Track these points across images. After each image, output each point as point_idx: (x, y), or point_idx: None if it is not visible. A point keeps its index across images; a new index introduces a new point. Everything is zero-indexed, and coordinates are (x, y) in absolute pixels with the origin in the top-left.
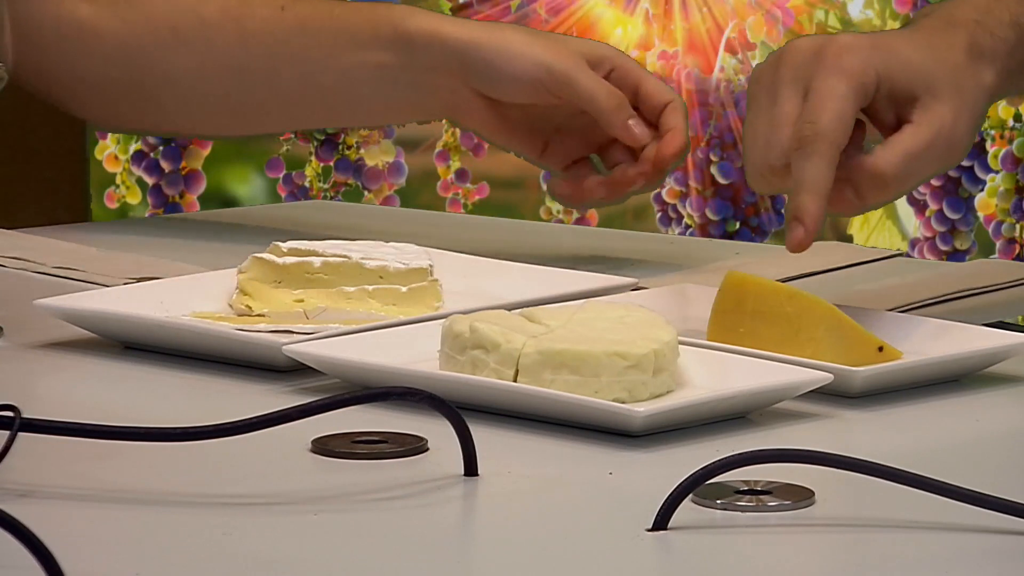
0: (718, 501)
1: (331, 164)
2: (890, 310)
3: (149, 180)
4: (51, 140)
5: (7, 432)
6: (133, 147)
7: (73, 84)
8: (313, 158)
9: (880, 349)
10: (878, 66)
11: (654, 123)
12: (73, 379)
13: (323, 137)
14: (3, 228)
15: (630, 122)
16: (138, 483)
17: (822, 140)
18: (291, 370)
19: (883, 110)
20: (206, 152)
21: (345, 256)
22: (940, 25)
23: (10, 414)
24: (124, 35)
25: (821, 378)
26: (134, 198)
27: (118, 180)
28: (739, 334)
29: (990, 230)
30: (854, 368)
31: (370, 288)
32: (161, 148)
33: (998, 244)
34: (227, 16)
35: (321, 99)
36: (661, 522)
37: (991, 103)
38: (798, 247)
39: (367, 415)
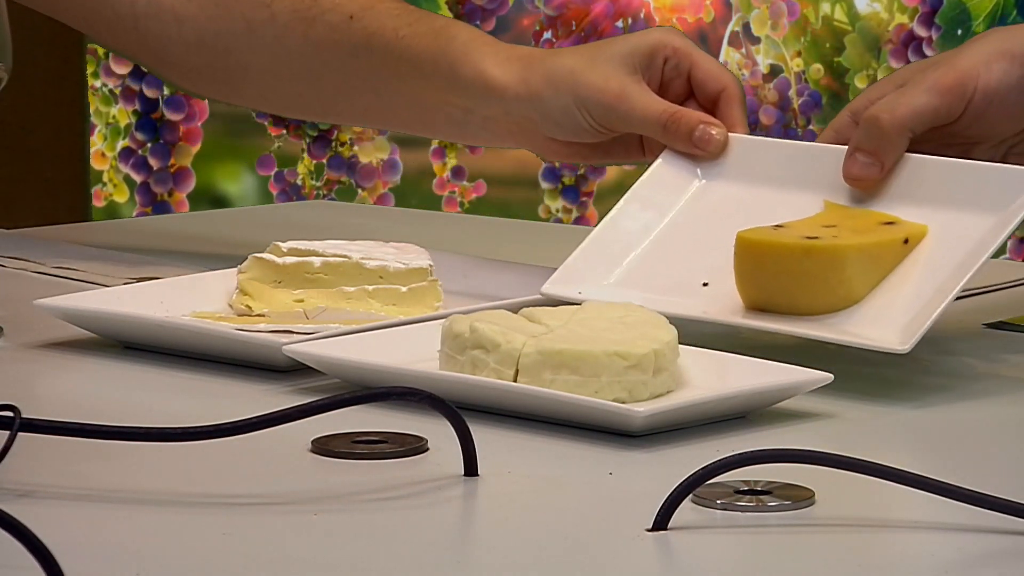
0: (718, 501)
1: (324, 161)
2: None
3: (137, 178)
4: (51, 141)
5: (7, 432)
6: (121, 144)
7: (158, 64)
8: (305, 155)
9: (905, 241)
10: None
11: (710, 110)
12: (73, 379)
13: (315, 134)
14: (3, 228)
15: (696, 136)
16: (138, 483)
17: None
18: (291, 370)
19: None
20: (196, 149)
21: (345, 256)
22: None
23: (10, 414)
24: (202, 23)
25: (821, 378)
26: (121, 196)
27: (105, 178)
28: (769, 292)
29: None
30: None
31: (370, 288)
32: (150, 145)
33: (1009, 243)
34: (297, 16)
35: (394, 115)
36: (661, 522)
37: None
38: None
39: (367, 415)
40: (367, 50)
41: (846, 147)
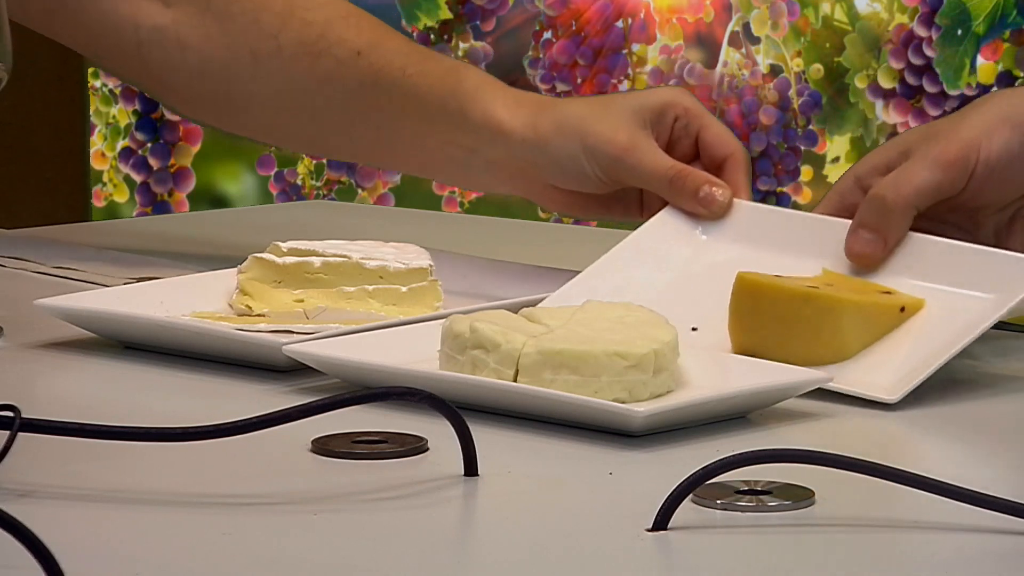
0: (718, 501)
1: (324, 161)
2: None
3: (137, 178)
4: (51, 141)
5: (7, 432)
6: (121, 144)
7: (160, 91)
8: (305, 155)
9: (902, 309)
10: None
11: (715, 174)
12: (73, 379)
13: None
14: (3, 228)
15: (700, 195)
16: (138, 483)
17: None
18: (291, 370)
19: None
20: (196, 149)
21: (345, 256)
22: None
23: (10, 414)
24: (207, 51)
25: (821, 378)
26: (122, 196)
27: (105, 178)
28: (762, 336)
29: None
30: (885, 397)
31: (370, 288)
32: (150, 145)
33: None
34: (304, 50)
35: (395, 155)
36: (661, 522)
37: None
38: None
39: (367, 415)
40: (373, 87)
41: (848, 220)
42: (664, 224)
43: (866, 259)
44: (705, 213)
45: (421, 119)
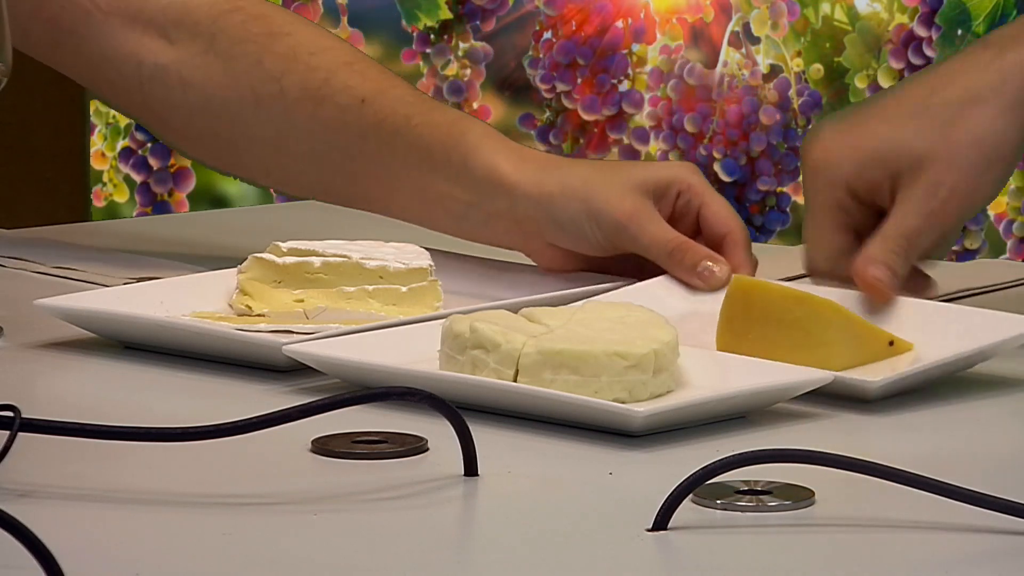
0: (718, 501)
1: None
2: None
3: (137, 178)
4: (51, 140)
5: (7, 432)
6: (121, 144)
7: (161, 128)
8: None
9: (891, 343)
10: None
11: (715, 249)
12: (73, 379)
13: None
14: (3, 228)
15: (699, 269)
16: (138, 483)
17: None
18: (291, 370)
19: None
20: None
21: (345, 256)
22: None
23: (10, 414)
24: (209, 91)
25: (820, 378)
26: (122, 196)
27: (105, 178)
28: (749, 340)
29: (1000, 229)
30: (869, 379)
31: (370, 288)
32: (150, 145)
33: (1009, 243)
34: (307, 95)
35: (394, 202)
36: (661, 522)
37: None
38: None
39: (367, 415)
40: (376, 135)
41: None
42: (660, 283)
43: (879, 287)
44: (702, 286)
45: (423, 169)
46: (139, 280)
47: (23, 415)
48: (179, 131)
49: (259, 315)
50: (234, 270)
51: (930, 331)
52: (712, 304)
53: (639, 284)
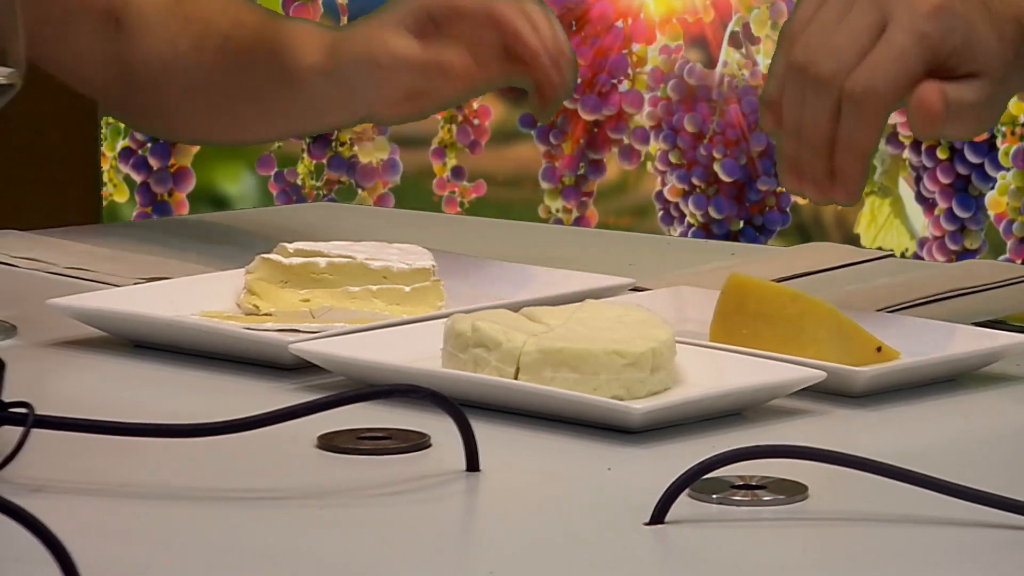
0: (714, 496)
1: (324, 162)
2: (880, 310)
3: (137, 178)
4: (62, 143)
5: (21, 428)
6: (121, 144)
7: (166, 120)
8: (305, 155)
9: (879, 349)
10: (957, 36)
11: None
12: (85, 377)
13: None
14: (17, 229)
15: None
16: (149, 478)
17: (876, 101)
18: (297, 368)
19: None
20: (195, 149)
21: (350, 257)
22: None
23: (24, 411)
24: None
25: (815, 376)
26: (122, 196)
27: (105, 178)
28: (742, 335)
29: (1000, 229)
30: (857, 368)
31: (374, 288)
32: (149, 145)
33: (1009, 243)
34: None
35: (272, 124)
36: (658, 516)
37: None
38: (845, 204)
39: (372, 412)
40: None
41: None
42: (660, 296)
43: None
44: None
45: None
46: (149, 280)
47: (36, 411)
48: (181, 110)
49: (266, 314)
50: (242, 270)
51: (919, 343)
52: (708, 311)
53: (640, 294)
